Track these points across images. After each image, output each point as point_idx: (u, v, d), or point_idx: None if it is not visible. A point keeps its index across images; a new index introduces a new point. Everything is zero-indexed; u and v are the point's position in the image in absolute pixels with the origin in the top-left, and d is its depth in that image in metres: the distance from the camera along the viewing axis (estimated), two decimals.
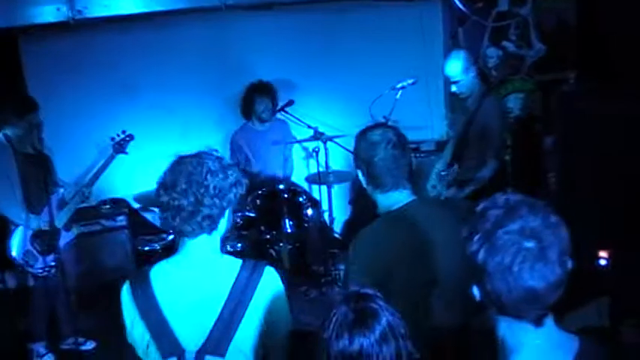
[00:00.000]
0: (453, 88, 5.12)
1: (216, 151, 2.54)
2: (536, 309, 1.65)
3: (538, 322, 1.67)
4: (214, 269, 2.46)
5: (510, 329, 1.72)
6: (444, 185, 5.21)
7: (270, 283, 2.47)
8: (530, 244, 1.60)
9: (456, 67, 5.00)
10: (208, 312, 2.38)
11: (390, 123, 5.62)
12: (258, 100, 6.49)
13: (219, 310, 2.37)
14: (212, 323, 2.37)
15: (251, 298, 2.39)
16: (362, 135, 2.88)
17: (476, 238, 1.65)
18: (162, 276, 2.47)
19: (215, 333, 2.36)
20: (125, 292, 2.48)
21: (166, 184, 2.40)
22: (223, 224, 2.48)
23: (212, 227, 2.43)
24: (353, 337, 1.89)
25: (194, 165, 2.39)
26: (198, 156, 2.44)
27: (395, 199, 2.81)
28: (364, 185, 2.90)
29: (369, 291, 2.02)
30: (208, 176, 2.37)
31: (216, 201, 2.38)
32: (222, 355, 2.35)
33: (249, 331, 2.40)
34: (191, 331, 2.38)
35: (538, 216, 1.63)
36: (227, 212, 2.47)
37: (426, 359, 2.51)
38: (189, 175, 2.37)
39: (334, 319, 1.95)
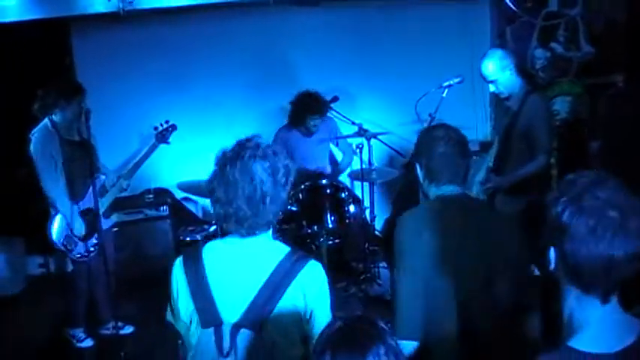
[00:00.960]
0: (492, 88, 5.00)
1: (259, 136, 2.53)
2: (608, 280, 1.68)
3: (605, 298, 1.71)
4: (262, 252, 2.50)
5: (579, 304, 1.74)
6: (487, 189, 5.17)
7: (312, 275, 2.49)
8: (614, 214, 1.65)
9: (490, 66, 4.88)
10: (250, 290, 2.43)
11: (434, 121, 5.63)
12: (309, 118, 6.36)
13: (258, 289, 2.42)
14: (250, 300, 2.42)
15: (289, 285, 2.43)
16: (426, 130, 2.99)
17: (562, 200, 1.70)
18: (214, 252, 2.54)
19: (251, 310, 2.41)
20: (177, 264, 2.56)
21: (220, 199, 2.43)
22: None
23: (269, 226, 2.52)
24: (335, 357, 1.78)
25: (243, 175, 2.39)
26: (244, 158, 2.41)
27: (446, 191, 2.85)
28: (420, 180, 2.94)
29: (376, 319, 1.91)
30: (259, 187, 2.39)
31: (272, 207, 2.42)
32: (257, 331, 2.40)
33: (285, 314, 2.44)
34: (232, 305, 2.43)
35: (622, 192, 1.70)
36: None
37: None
38: (242, 190, 2.38)
39: (324, 333, 1.88)
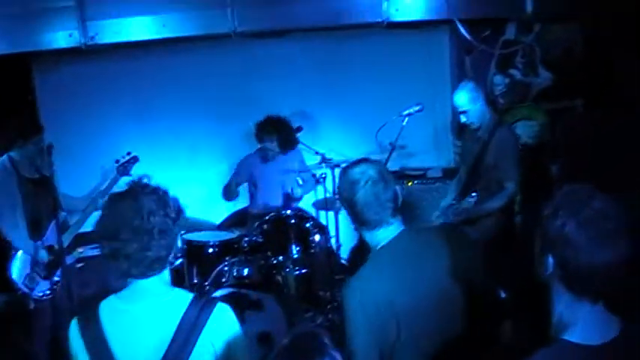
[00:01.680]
0: (463, 119, 5.12)
1: (147, 177, 2.47)
2: (602, 284, 1.86)
3: (596, 300, 1.88)
4: (163, 305, 2.38)
5: (570, 306, 1.91)
6: (449, 218, 5.22)
7: (222, 320, 2.40)
8: (609, 224, 1.83)
9: (463, 97, 5.02)
10: (156, 347, 2.31)
11: (396, 149, 5.68)
12: (265, 137, 6.43)
13: (166, 345, 2.30)
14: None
15: (198, 336, 2.32)
16: (343, 173, 2.81)
17: (561, 212, 1.86)
18: (111, 312, 2.39)
19: None
20: (73, 328, 2.40)
21: (107, 233, 2.32)
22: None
23: (162, 266, 2.39)
24: None
25: (132, 208, 2.30)
26: (134, 196, 2.34)
27: (382, 236, 2.72)
28: (352, 223, 2.82)
29: (320, 331, 1.99)
30: (150, 218, 2.29)
31: (162, 242, 2.32)
32: None
33: None
34: None
35: (611, 202, 1.88)
36: (176, 243, 2.43)
37: None
38: (130, 222, 2.28)
39: (277, 348, 1.92)
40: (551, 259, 1.89)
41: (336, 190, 2.84)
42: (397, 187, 2.76)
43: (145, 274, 2.36)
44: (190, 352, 2.30)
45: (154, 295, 2.39)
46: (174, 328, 2.32)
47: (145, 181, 2.43)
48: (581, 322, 1.89)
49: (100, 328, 2.34)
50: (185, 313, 2.34)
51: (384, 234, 2.72)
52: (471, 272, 2.75)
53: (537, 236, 1.95)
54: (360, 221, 2.73)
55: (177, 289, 2.47)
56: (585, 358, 1.86)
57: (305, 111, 7.07)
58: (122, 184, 2.44)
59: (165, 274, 2.45)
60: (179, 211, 2.42)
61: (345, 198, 2.75)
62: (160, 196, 2.37)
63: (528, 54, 6.82)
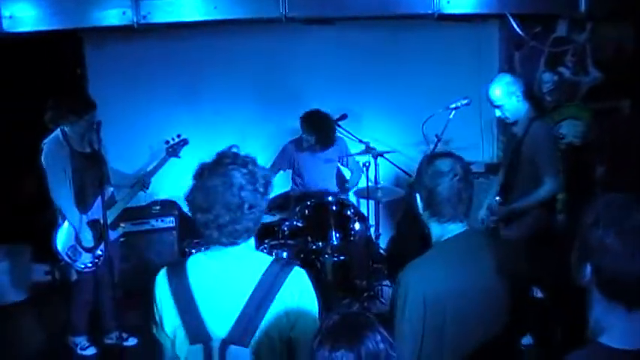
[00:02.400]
0: (497, 113, 5.01)
1: (236, 147, 2.55)
2: (638, 291, 1.86)
3: (632, 307, 1.87)
4: (246, 263, 2.49)
5: (606, 311, 1.90)
6: (493, 220, 5.18)
7: (298, 281, 2.48)
8: None
9: (498, 91, 4.89)
10: (236, 303, 2.41)
11: (441, 142, 5.67)
12: (305, 136, 6.51)
13: (245, 301, 2.40)
14: (237, 314, 2.40)
15: (276, 294, 2.40)
16: (429, 161, 2.79)
17: (602, 222, 1.86)
18: (198, 266, 2.53)
19: (239, 324, 2.40)
20: (161, 278, 2.53)
21: (200, 206, 2.41)
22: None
23: (250, 235, 2.51)
24: (335, 349, 1.86)
25: (222, 182, 2.38)
26: (225, 167, 2.41)
27: (448, 229, 2.75)
28: (420, 211, 2.83)
29: (369, 315, 2.01)
30: (240, 193, 2.37)
31: (252, 215, 2.42)
32: (246, 345, 2.38)
33: (273, 325, 2.41)
34: (219, 320, 2.42)
35: None
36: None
37: None
38: (222, 196, 2.37)
39: (322, 327, 1.94)
40: (589, 267, 1.90)
41: (417, 175, 2.82)
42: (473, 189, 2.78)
43: (234, 243, 2.47)
44: (266, 311, 2.40)
45: (238, 255, 2.51)
46: (251, 285, 2.42)
47: (235, 150, 2.51)
48: (616, 327, 1.88)
49: (186, 279, 2.48)
50: (265, 273, 2.44)
51: (451, 228, 2.75)
52: (513, 279, 2.74)
53: (576, 243, 1.95)
54: (434, 212, 2.75)
55: (258, 252, 2.62)
56: None
57: (351, 99, 7.05)
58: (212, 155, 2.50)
59: (252, 239, 2.57)
60: (267, 184, 2.49)
61: (425, 186, 2.75)
62: (250, 169, 2.43)
63: (579, 52, 6.73)
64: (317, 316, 2.52)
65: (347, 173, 7.06)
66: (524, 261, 2.94)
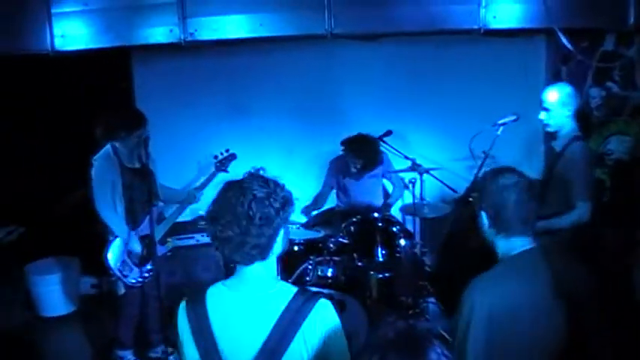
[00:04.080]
0: (541, 115, 4.91)
1: (263, 169, 2.56)
2: None
3: None
4: (267, 295, 2.45)
5: None
6: None
7: (323, 316, 2.42)
8: None
9: (553, 95, 4.84)
10: (256, 337, 2.37)
11: (488, 159, 5.62)
12: (351, 161, 6.53)
13: (266, 335, 2.36)
14: (258, 349, 2.37)
15: (298, 329, 2.36)
16: (491, 177, 2.80)
17: None
18: (217, 297, 2.48)
19: (259, 358, 2.36)
20: (181, 310, 2.51)
21: (212, 216, 2.40)
22: (278, 247, 2.47)
23: (263, 255, 2.43)
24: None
25: (237, 194, 2.36)
26: (242, 182, 2.41)
27: (517, 244, 2.73)
28: (484, 229, 2.81)
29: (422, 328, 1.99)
30: (253, 205, 2.33)
31: (264, 230, 2.36)
32: None
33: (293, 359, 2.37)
34: (238, 355, 2.39)
35: None
36: (280, 235, 2.46)
37: None
38: (233, 206, 2.34)
39: (380, 343, 1.91)
40: None
41: (479, 195, 2.80)
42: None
43: (246, 261, 2.43)
44: (289, 344, 2.35)
45: (258, 285, 2.47)
46: (272, 318, 2.38)
47: (261, 172, 2.51)
48: None
49: (204, 311, 2.44)
50: (288, 305, 2.39)
51: (519, 243, 2.73)
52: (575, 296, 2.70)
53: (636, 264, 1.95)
54: (502, 227, 2.74)
55: (282, 282, 2.55)
56: None
57: (396, 115, 7.03)
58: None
59: (272, 265, 2.53)
60: (286, 202, 2.44)
61: (493, 201, 2.75)
62: (269, 186, 2.42)
63: (627, 67, 6.63)
64: (345, 349, 2.46)
65: (389, 188, 7.05)
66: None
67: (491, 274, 2.72)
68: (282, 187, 2.47)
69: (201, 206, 6.51)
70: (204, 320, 2.44)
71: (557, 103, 4.82)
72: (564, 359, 2.64)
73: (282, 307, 2.39)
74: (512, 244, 2.74)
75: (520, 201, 2.69)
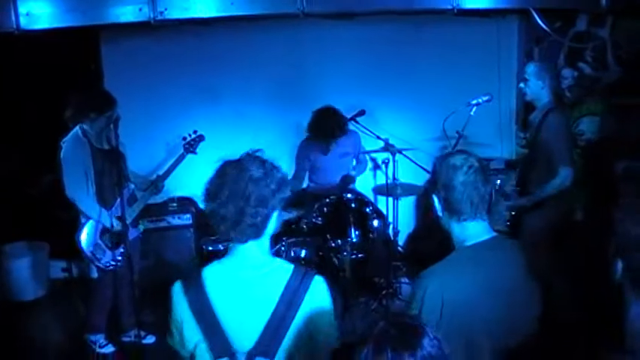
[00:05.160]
0: (521, 84, 5.27)
1: (261, 151, 2.54)
2: None
3: None
4: (265, 273, 2.49)
5: None
6: (509, 206, 5.26)
7: (319, 292, 2.50)
8: None
9: (532, 67, 5.22)
10: (259, 315, 2.41)
11: (462, 139, 5.62)
12: (324, 139, 6.48)
13: (269, 313, 2.40)
14: (262, 326, 2.40)
15: (300, 305, 2.42)
16: (442, 159, 2.75)
17: (629, 218, 1.90)
18: (215, 276, 2.49)
19: (265, 336, 2.39)
20: (177, 291, 2.50)
21: (210, 194, 2.43)
22: (271, 226, 2.50)
23: (258, 234, 2.47)
24: (396, 354, 1.82)
25: (235, 173, 2.39)
26: (241, 162, 2.44)
27: (471, 230, 2.68)
28: (439, 213, 2.76)
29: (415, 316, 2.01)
30: (250, 185, 2.37)
31: (259, 210, 2.40)
32: (272, 357, 2.39)
33: (297, 336, 2.42)
34: (242, 333, 2.41)
35: None
36: (274, 215, 2.48)
37: None
38: (231, 185, 2.38)
39: (375, 335, 1.89)
40: (620, 264, 1.88)
41: (432, 176, 2.75)
42: (492, 187, 2.73)
43: (242, 239, 2.46)
44: (291, 321, 2.41)
45: (256, 262, 2.51)
46: (273, 296, 2.42)
47: (258, 154, 2.52)
48: None
49: (204, 291, 2.45)
50: (288, 283, 2.45)
51: (473, 230, 2.68)
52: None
53: (610, 242, 1.95)
54: (453, 209, 2.68)
55: (278, 260, 2.58)
56: None
57: (369, 94, 6.98)
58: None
59: (266, 243, 2.56)
60: (282, 183, 2.48)
61: (443, 183, 2.68)
62: (267, 167, 2.45)
63: (599, 47, 6.65)
64: (333, 319, 2.56)
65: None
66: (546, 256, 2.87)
67: (444, 264, 2.67)
68: (279, 169, 2.51)
69: (172, 188, 6.48)
70: (205, 300, 2.44)
71: (534, 73, 5.16)
72: (519, 351, 2.62)
73: (283, 284, 2.44)
74: (467, 231, 2.69)
75: (468, 182, 2.62)
